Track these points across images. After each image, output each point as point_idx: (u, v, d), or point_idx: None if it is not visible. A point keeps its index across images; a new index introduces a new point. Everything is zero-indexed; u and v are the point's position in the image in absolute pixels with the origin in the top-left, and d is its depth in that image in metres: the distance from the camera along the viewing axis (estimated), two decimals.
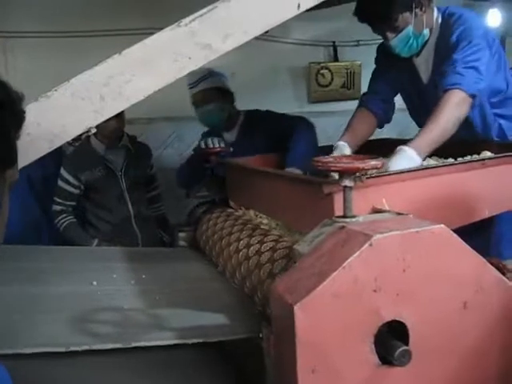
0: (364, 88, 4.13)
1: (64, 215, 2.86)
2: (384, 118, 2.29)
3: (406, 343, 1.00)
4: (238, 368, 1.28)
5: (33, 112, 0.96)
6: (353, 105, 4.19)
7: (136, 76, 0.97)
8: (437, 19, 2.06)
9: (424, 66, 2.12)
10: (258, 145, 2.53)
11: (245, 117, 2.82)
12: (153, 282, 1.60)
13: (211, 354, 1.26)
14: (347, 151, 1.96)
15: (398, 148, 1.67)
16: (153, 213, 3.12)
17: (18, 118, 0.85)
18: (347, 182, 1.13)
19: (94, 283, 1.53)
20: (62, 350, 1.10)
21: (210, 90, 2.74)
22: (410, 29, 1.97)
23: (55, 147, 0.96)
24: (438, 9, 2.07)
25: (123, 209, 2.91)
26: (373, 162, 1.12)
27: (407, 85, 2.19)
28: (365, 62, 4.08)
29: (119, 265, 1.80)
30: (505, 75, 2.11)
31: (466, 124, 2.07)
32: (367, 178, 1.21)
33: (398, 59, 2.15)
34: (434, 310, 1.03)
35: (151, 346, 1.15)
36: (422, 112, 2.20)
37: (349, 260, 0.97)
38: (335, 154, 1.94)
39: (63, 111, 0.96)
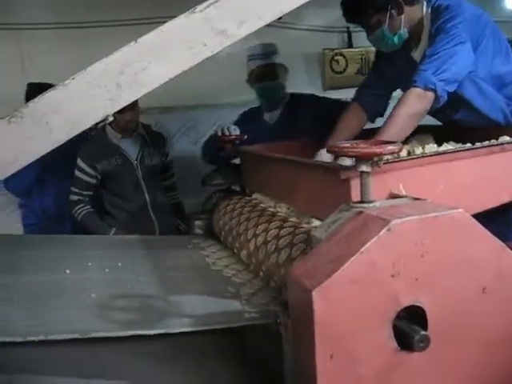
0: None
1: (81, 205, 2.88)
2: (375, 113, 2.33)
3: (425, 328, 1.00)
4: (255, 354, 1.28)
5: (50, 101, 0.97)
6: None
7: (152, 63, 0.97)
8: (427, 13, 2.06)
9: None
10: (299, 128, 2.54)
11: (290, 99, 2.83)
12: (127, 270, 1.61)
13: (225, 340, 1.26)
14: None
15: None
16: (169, 201, 3.13)
17: None
18: (364, 168, 1.13)
19: (67, 271, 1.53)
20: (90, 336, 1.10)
21: (278, 65, 2.77)
22: (383, 28, 2.04)
23: (73, 135, 0.97)
24: (429, 1, 2.07)
25: (140, 197, 2.93)
26: (390, 147, 1.11)
27: (407, 79, 2.17)
28: None
29: (97, 252, 1.80)
30: (508, 59, 2.09)
31: (477, 112, 2.06)
32: (384, 163, 1.20)
33: (397, 54, 2.16)
34: (452, 295, 1.03)
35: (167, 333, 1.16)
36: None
37: (367, 245, 0.97)
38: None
39: (80, 100, 0.96)
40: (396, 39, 2.06)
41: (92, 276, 1.54)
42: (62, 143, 0.97)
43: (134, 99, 0.99)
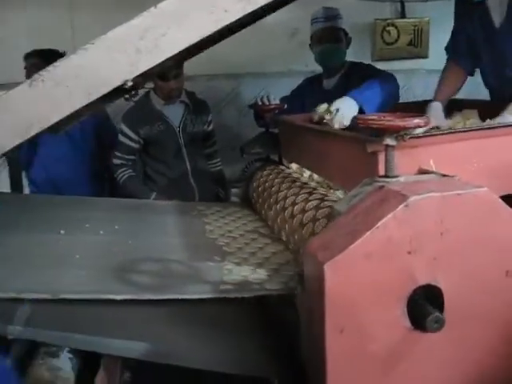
0: (432, 46, 3.98)
1: (124, 169, 2.92)
2: (471, 70, 2.28)
3: (441, 309, 0.97)
4: (279, 320, 1.28)
5: (71, 64, 0.98)
6: (420, 63, 4.06)
7: (171, 29, 0.96)
8: None
9: (497, 8, 2.00)
10: None
11: (348, 67, 2.82)
12: (121, 233, 1.61)
13: (250, 307, 1.27)
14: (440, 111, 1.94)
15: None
16: (210, 169, 3.15)
17: None
18: (389, 141, 1.09)
19: (62, 232, 1.55)
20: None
21: (339, 29, 2.76)
22: None
23: (92, 100, 0.98)
24: None
25: (181, 164, 2.95)
26: (415, 121, 1.07)
27: (477, 31, 2.07)
28: (433, 18, 3.90)
29: (98, 214, 1.81)
30: None
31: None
32: (411, 137, 1.16)
33: (472, 5, 2.06)
34: (473, 277, 1.00)
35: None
36: (489, 60, 2.10)
37: (383, 220, 0.94)
38: (429, 113, 1.94)
39: (100, 64, 0.96)
40: None
41: (85, 237, 1.55)
42: (81, 106, 0.98)
43: (153, 65, 0.99)
